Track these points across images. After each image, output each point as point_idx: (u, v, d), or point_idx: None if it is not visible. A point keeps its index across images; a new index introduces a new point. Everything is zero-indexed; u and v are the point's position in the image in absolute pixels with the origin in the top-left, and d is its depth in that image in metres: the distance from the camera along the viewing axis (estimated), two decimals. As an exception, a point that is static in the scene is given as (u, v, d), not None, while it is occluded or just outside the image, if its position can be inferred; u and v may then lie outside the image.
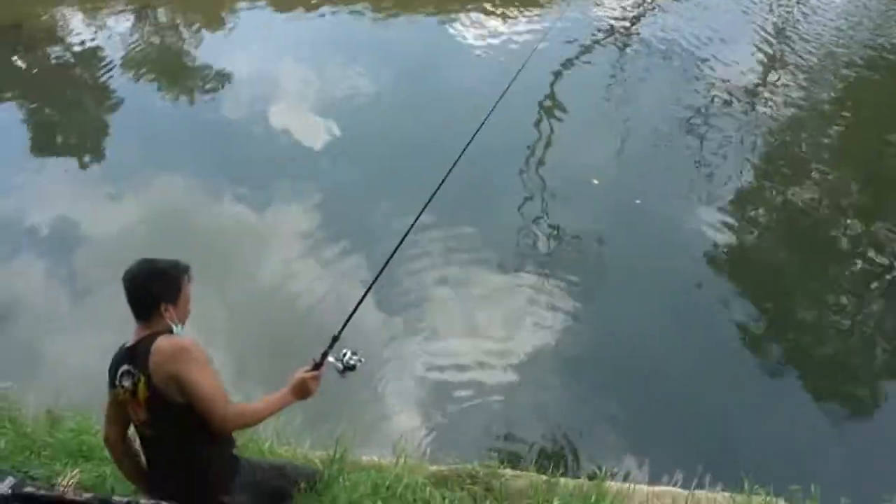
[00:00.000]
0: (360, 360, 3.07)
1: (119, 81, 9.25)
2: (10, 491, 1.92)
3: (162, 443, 2.81)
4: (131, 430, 2.91)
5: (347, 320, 3.06)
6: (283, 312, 5.98)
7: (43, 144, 8.42)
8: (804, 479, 3.57)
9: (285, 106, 8.63)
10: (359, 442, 4.05)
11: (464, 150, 3.72)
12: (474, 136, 3.81)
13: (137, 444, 2.94)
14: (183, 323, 2.84)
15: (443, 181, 3.56)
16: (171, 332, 2.77)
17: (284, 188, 7.28)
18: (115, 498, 2.00)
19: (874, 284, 6.17)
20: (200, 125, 8.47)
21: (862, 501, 3.50)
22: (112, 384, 2.78)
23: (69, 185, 7.73)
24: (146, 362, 2.67)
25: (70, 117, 9.06)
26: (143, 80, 9.32)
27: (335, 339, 3.00)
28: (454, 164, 3.64)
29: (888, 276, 6.21)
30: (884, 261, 6.33)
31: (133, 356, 2.73)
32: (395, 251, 3.33)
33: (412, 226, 3.44)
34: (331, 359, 2.99)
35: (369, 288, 3.19)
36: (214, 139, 8.19)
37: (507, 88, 4.23)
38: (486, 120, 3.93)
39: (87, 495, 2.01)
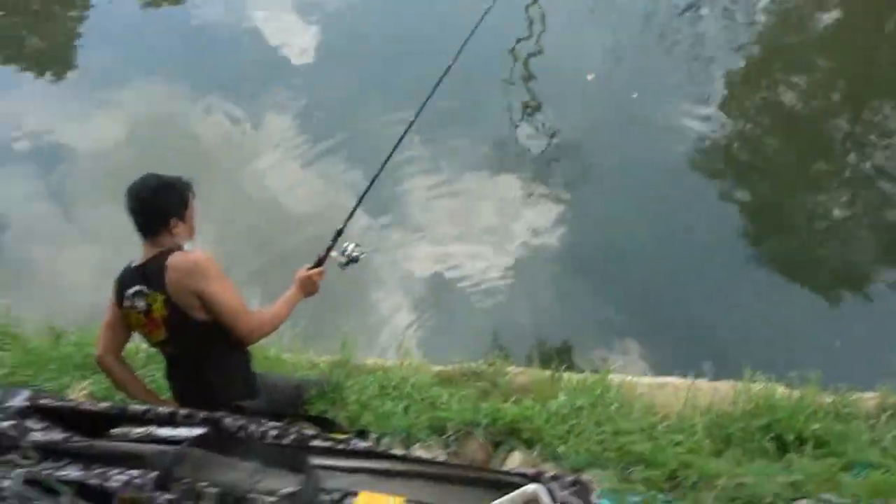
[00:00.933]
0: (363, 252, 3.05)
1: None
2: (27, 403, 1.90)
3: (183, 359, 2.80)
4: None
5: (350, 214, 3.06)
6: (284, 219, 5.93)
7: (13, 56, 8.12)
8: (802, 366, 3.63)
9: (268, 8, 8.30)
10: (362, 345, 4.08)
11: (450, 66, 3.65)
12: (459, 53, 3.75)
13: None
14: (191, 240, 2.80)
15: (435, 87, 3.48)
16: (180, 249, 2.71)
17: (272, 94, 7.12)
18: (133, 406, 1.98)
19: (865, 176, 6.13)
20: (178, 31, 8.16)
21: (860, 385, 3.56)
22: (120, 304, 2.72)
23: (46, 97, 7.50)
24: (161, 281, 2.62)
25: (39, 26, 8.69)
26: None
27: (339, 232, 3.01)
28: (445, 72, 3.58)
29: (879, 167, 6.17)
30: (873, 152, 6.28)
31: (145, 275, 2.67)
32: (392, 152, 3.27)
33: (409, 128, 3.37)
34: (334, 253, 2.99)
35: (371, 184, 3.17)
36: (194, 46, 7.91)
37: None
38: (471, 35, 3.80)
39: (103, 405, 1.99)
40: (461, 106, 6.66)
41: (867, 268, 5.39)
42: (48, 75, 7.81)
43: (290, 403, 3.14)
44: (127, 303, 2.70)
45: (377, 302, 5.23)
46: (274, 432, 1.97)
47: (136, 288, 2.68)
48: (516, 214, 5.90)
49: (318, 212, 5.88)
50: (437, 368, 3.88)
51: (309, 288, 2.93)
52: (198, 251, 2.73)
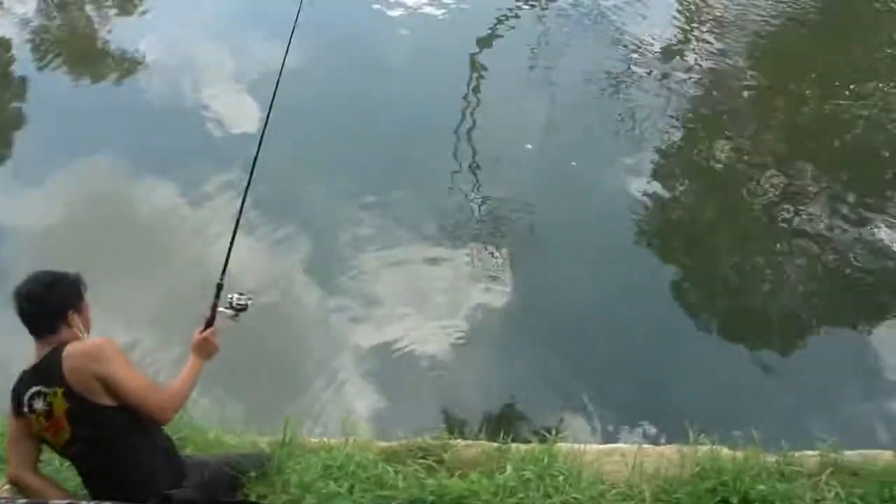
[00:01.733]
0: (249, 299, 3.04)
1: (25, 68, 8.79)
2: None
3: (93, 454, 2.66)
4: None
5: (225, 266, 3.04)
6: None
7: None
8: (745, 425, 3.67)
9: (205, 86, 8.35)
10: (306, 423, 3.99)
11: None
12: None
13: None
14: (88, 332, 2.74)
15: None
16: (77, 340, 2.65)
17: (214, 170, 7.05)
18: (53, 502, 1.89)
19: (794, 233, 6.36)
20: (116, 111, 8.10)
21: (800, 442, 3.61)
22: (19, 413, 2.62)
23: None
24: (59, 373, 2.54)
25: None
26: (52, 66, 8.85)
27: (219, 287, 2.99)
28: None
29: (807, 226, 6.41)
30: (803, 210, 6.53)
31: (41, 374, 2.59)
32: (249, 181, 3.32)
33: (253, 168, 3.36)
34: (221, 308, 2.98)
35: (235, 228, 3.20)
36: (131, 125, 7.86)
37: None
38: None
39: (20, 501, 1.90)
40: (404, 178, 6.77)
41: (801, 327, 5.55)
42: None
43: (226, 485, 3.02)
44: (25, 409, 2.60)
45: (321, 377, 5.13)
46: (206, 522, 1.90)
47: (34, 389, 2.58)
48: (461, 284, 5.93)
49: (260, 284, 5.81)
50: (382, 445, 3.80)
51: (207, 349, 2.89)
52: (95, 337, 2.69)
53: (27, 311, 2.62)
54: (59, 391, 2.54)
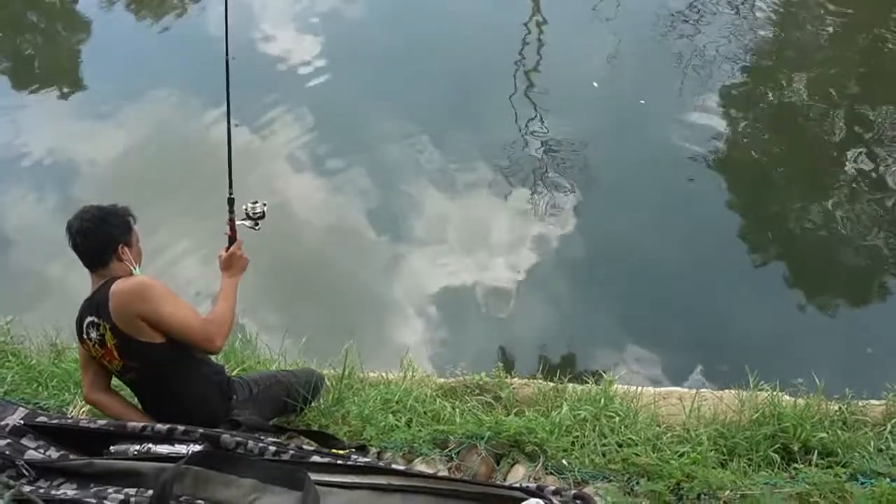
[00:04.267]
0: (264, 205, 3.03)
1: (89, 5, 8.91)
2: (22, 422, 1.90)
3: (146, 384, 2.78)
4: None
5: (230, 178, 2.99)
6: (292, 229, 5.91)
7: (18, 76, 8.16)
8: (807, 372, 3.60)
9: (269, 21, 8.34)
10: (365, 358, 4.06)
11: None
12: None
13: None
14: (139, 264, 2.78)
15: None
16: (129, 275, 2.70)
17: (276, 107, 7.10)
18: (130, 423, 1.98)
19: (866, 176, 6.12)
20: (179, 48, 8.18)
21: (865, 390, 3.53)
22: (81, 339, 2.73)
23: (52, 115, 7.53)
24: (106, 310, 2.61)
25: (42, 46, 8.75)
26: (116, 4, 8.97)
27: (231, 201, 2.97)
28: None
29: (880, 170, 6.15)
30: (876, 154, 6.27)
31: (94, 306, 2.66)
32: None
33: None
34: (239, 222, 2.99)
35: (229, 132, 3.09)
36: (197, 60, 7.91)
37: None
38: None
39: (100, 422, 1.99)
40: (466, 117, 6.71)
41: (869, 272, 5.37)
42: (53, 93, 7.84)
43: (277, 399, 3.09)
44: (85, 336, 2.69)
45: (381, 315, 5.23)
46: (273, 448, 1.97)
47: (89, 319, 2.66)
48: (522, 222, 5.92)
49: (322, 219, 5.88)
50: (440, 381, 3.85)
51: (237, 265, 2.94)
52: (140, 275, 2.72)
53: (79, 246, 2.69)
54: (107, 326, 2.62)
